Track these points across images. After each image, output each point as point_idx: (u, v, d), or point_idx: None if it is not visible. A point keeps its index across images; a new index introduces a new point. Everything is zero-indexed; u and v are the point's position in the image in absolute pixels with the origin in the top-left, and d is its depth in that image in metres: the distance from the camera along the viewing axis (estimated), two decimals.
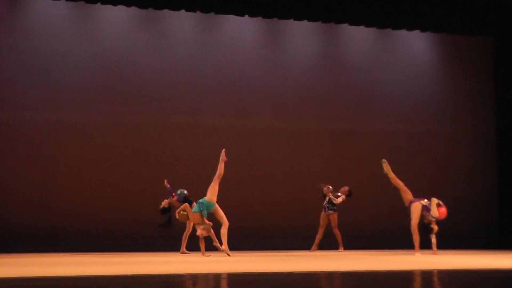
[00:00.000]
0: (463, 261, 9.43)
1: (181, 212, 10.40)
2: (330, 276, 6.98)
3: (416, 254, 11.18)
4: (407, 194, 11.51)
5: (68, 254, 11.37)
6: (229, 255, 10.25)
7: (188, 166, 13.43)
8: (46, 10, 13.20)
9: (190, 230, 11.43)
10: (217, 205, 10.40)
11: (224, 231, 10.29)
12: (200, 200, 10.39)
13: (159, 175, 13.17)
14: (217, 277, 6.76)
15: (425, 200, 11.49)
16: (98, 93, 13.31)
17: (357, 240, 12.99)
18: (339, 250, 12.35)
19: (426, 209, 11.42)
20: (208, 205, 10.31)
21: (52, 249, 12.13)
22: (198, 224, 10.37)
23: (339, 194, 12.45)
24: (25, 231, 12.49)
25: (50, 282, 6.15)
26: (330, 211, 12.33)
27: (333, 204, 12.34)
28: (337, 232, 12.40)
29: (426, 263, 8.85)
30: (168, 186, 11.91)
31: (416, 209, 11.40)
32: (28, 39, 13.03)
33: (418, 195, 14.73)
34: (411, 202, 11.47)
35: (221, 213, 10.41)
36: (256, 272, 7.22)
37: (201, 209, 10.30)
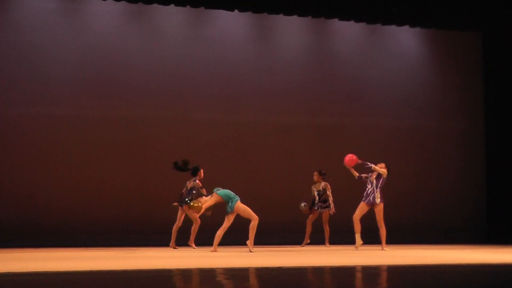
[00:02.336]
0: (451, 256, 9.50)
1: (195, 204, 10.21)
2: (321, 270, 7.01)
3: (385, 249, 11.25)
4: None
5: (57, 249, 11.33)
6: (251, 250, 10.41)
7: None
8: (34, 3, 13.10)
9: (180, 224, 11.45)
10: (240, 205, 10.29)
11: (253, 224, 10.32)
12: (233, 196, 10.34)
13: (149, 170, 13.19)
14: (206, 272, 6.77)
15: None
16: (87, 87, 13.25)
17: (346, 235, 13.01)
18: (326, 245, 12.37)
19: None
20: (233, 201, 10.25)
21: (42, 244, 12.05)
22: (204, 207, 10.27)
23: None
24: (14, 226, 12.43)
25: (40, 277, 6.14)
26: (322, 210, 12.30)
27: (325, 201, 12.28)
28: (326, 228, 12.39)
29: (415, 258, 8.91)
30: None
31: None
32: (16, 33, 12.93)
33: (406, 189, 14.83)
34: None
35: (248, 211, 10.37)
36: (245, 267, 7.24)
37: (228, 200, 10.24)
